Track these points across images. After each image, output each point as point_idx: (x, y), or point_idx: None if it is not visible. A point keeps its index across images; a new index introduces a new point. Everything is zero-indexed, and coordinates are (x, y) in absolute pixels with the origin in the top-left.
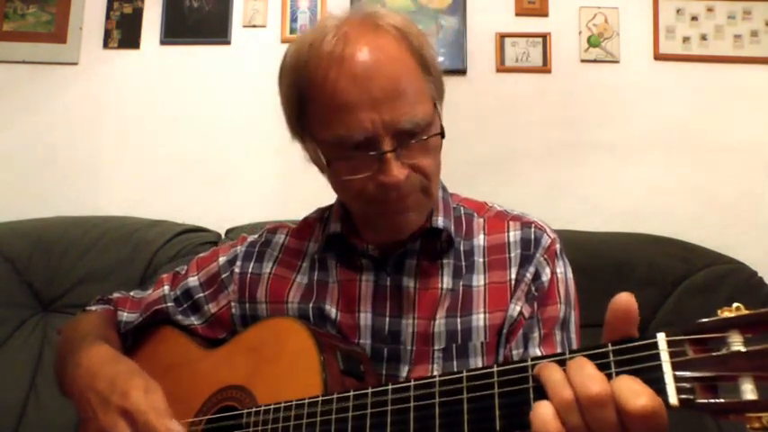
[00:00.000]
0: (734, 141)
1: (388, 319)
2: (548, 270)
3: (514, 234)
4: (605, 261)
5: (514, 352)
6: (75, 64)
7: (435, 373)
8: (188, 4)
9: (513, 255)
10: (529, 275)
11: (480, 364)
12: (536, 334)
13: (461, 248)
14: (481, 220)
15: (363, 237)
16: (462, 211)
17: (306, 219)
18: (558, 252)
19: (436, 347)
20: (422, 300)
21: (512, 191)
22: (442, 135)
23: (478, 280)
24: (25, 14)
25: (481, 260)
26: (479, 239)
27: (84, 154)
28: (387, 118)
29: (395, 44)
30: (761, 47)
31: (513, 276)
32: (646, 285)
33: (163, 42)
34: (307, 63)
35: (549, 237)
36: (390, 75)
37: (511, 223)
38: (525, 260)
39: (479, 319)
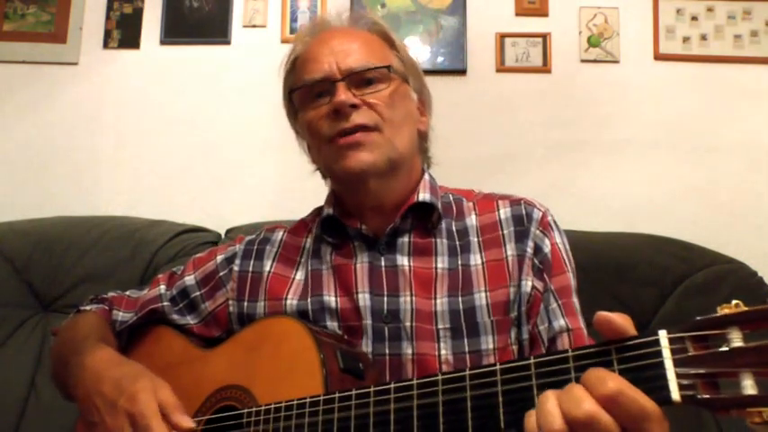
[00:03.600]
0: (734, 141)
1: (385, 298)
2: (547, 241)
3: (505, 211)
4: (605, 261)
5: (540, 327)
6: (76, 64)
7: (443, 350)
8: (188, 4)
9: (506, 232)
10: (530, 250)
11: (491, 343)
12: (554, 305)
13: (453, 228)
14: (471, 203)
15: (355, 217)
16: (451, 197)
17: (302, 219)
18: (552, 222)
19: (440, 326)
20: (417, 277)
21: (512, 191)
22: (428, 113)
23: (476, 259)
24: (25, 14)
25: (476, 240)
26: (471, 219)
27: (84, 154)
28: (341, 61)
29: (361, 27)
30: (761, 47)
31: (510, 253)
32: (646, 285)
33: (163, 42)
34: (294, 43)
35: (540, 210)
36: (351, 39)
37: (500, 202)
38: (522, 235)
39: (481, 297)
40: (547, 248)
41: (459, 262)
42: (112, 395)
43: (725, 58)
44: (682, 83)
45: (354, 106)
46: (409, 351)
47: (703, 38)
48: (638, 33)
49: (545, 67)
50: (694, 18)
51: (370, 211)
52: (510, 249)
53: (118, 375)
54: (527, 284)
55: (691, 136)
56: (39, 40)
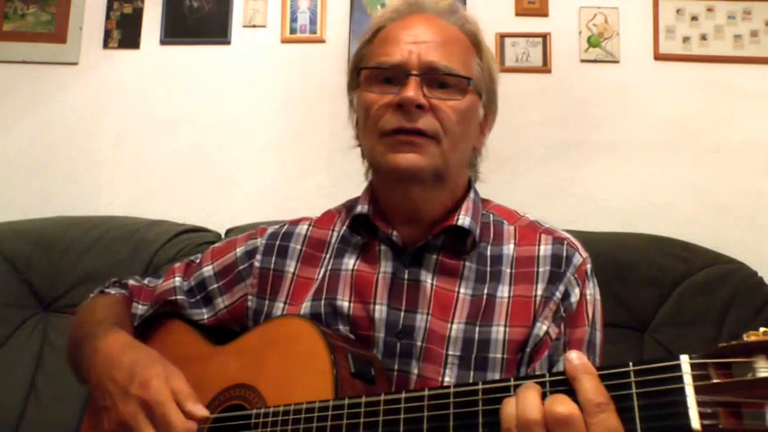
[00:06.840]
0: (734, 141)
1: (402, 313)
2: (577, 291)
3: (545, 248)
4: (605, 261)
5: (538, 373)
6: (76, 64)
7: (447, 377)
8: (188, 4)
9: (541, 270)
10: (558, 294)
11: None
12: (562, 357)
13: (488, 253)
14: (512, 228)
15: (388, 221)
16: (492, 218)
17: (329, 210)
18: (589, 272)
19: (451, 352)
20: (438, 298)
21: (512, 191)
22: (484, 129)
23: (503, 291)
24: (25, 14)
25: (509, 270)
26: (509, 248)
27: (84, 154)
28: (423, 54)
29: (453, 22)
30: (761, 47)
31: (539, 293)
32: (646, 285)
33: (163, 42)
34: (383, 13)
35: (581, 256)
36: (439, 32)
37: (543, 236)
38: (555, 278)
39: (499, 332)
40: (574, 298)
41: (486, 291)
42: (125, 381)
43: (725, 58)
44: (682, 83)
45: (421, 107)
46: (415, 371)
47: (703, 38)
48: (637, 33)
49: (545, 68)
50: (694, 18)
51: (405, 219)
52: (540, 290)
53: (131, 361)
54: (541, 327)
55: (691, 136)
56: (39, 40)
